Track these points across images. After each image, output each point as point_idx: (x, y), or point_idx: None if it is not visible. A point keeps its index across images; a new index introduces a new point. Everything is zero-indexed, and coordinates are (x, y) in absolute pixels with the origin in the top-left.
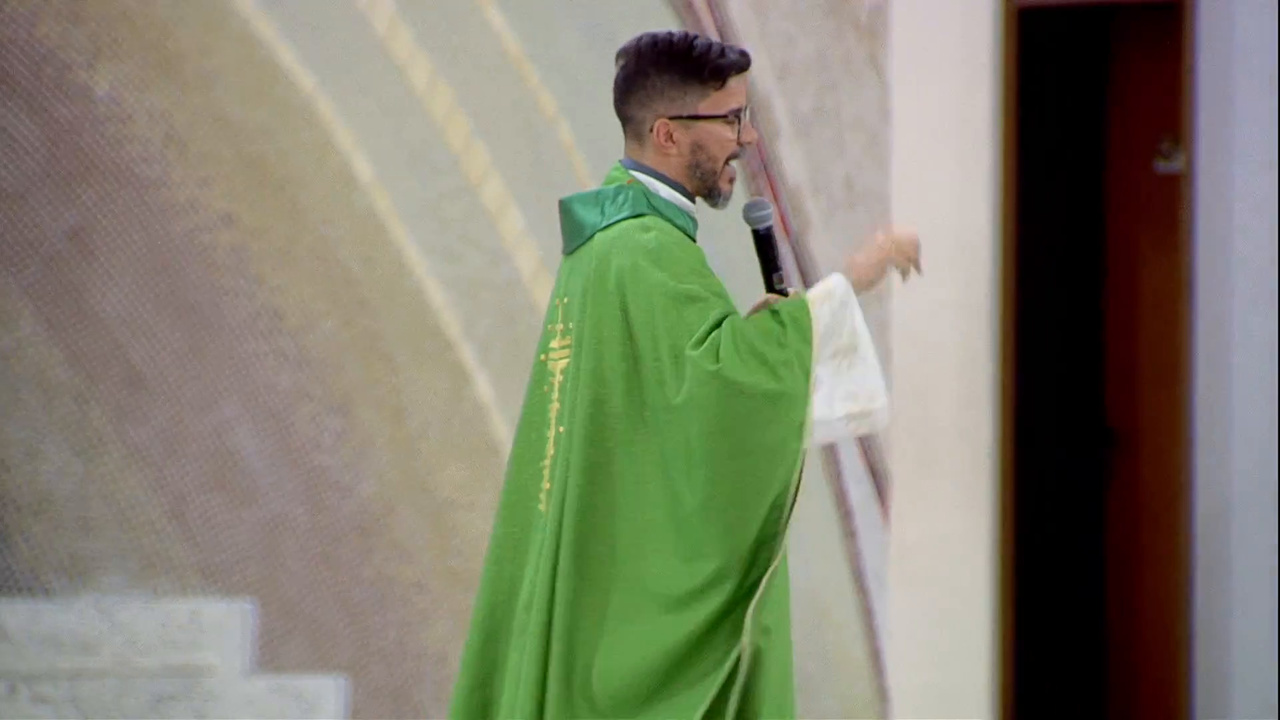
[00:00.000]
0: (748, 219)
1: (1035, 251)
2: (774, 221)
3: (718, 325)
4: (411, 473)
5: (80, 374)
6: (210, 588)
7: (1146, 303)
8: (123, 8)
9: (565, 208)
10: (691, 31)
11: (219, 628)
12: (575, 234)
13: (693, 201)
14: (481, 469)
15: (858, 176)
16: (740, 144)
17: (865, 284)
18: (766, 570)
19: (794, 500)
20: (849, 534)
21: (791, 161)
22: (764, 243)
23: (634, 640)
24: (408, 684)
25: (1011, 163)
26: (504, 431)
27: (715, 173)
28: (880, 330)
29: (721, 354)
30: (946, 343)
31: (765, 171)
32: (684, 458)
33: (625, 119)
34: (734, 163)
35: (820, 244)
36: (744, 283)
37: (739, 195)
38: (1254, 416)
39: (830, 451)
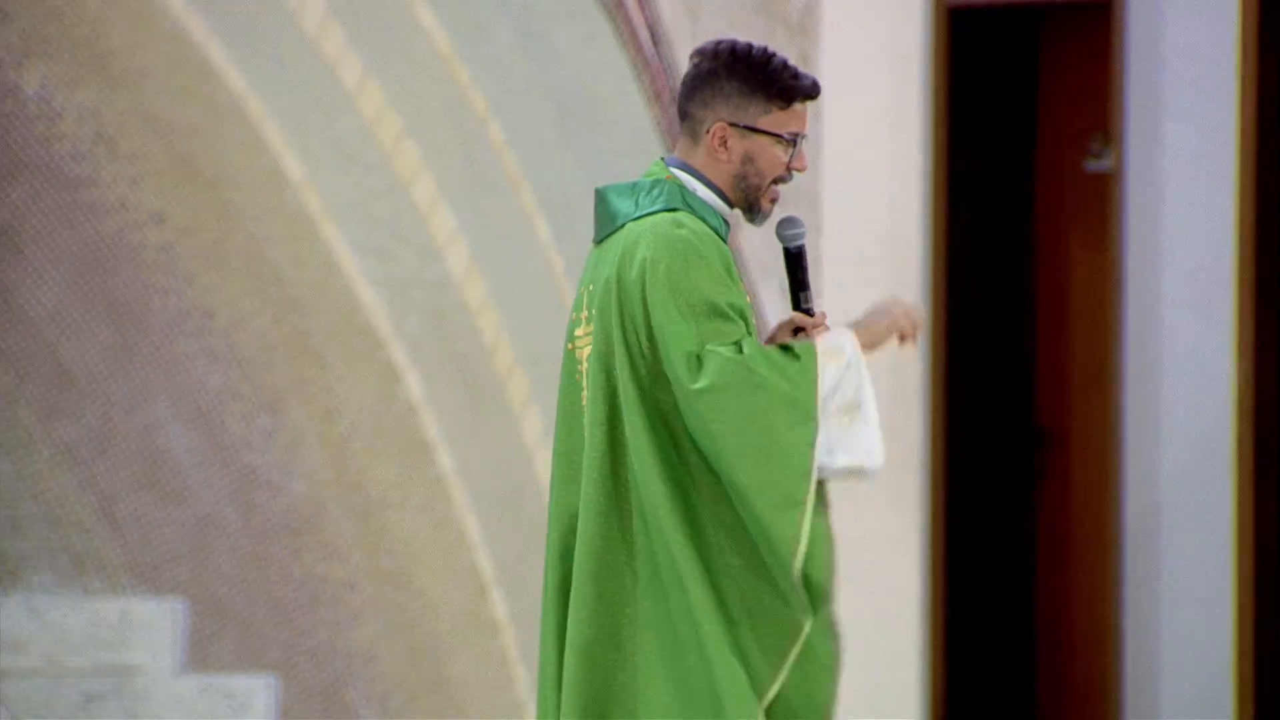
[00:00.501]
0: (780, 236)
1: (965, 250)
2: (804, 240)
3: (737, 345)
4: (342, 472)
5: (9, 372)
6: (140, 587)
7: (1076, 302)
8: (52, 6)
9: (600, 196)
10: (771, 49)
11: (149, 627)
12: (607, 223)
13: (732, 208)
14: (412, 468)
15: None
16: (790, 169)
17: (871, 346)
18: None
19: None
20: None
21: None
22: (794, 261)
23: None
24: (338, 683)
25: (942, 162)
26: (434, 430)
27: (760, 189)
28: None
29: (746, 350)
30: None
31: None
32: (705, 440)
33: (685, 115)
34: (780, 185)
35: (750, 243)
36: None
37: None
38: (1183, 415)
39: None
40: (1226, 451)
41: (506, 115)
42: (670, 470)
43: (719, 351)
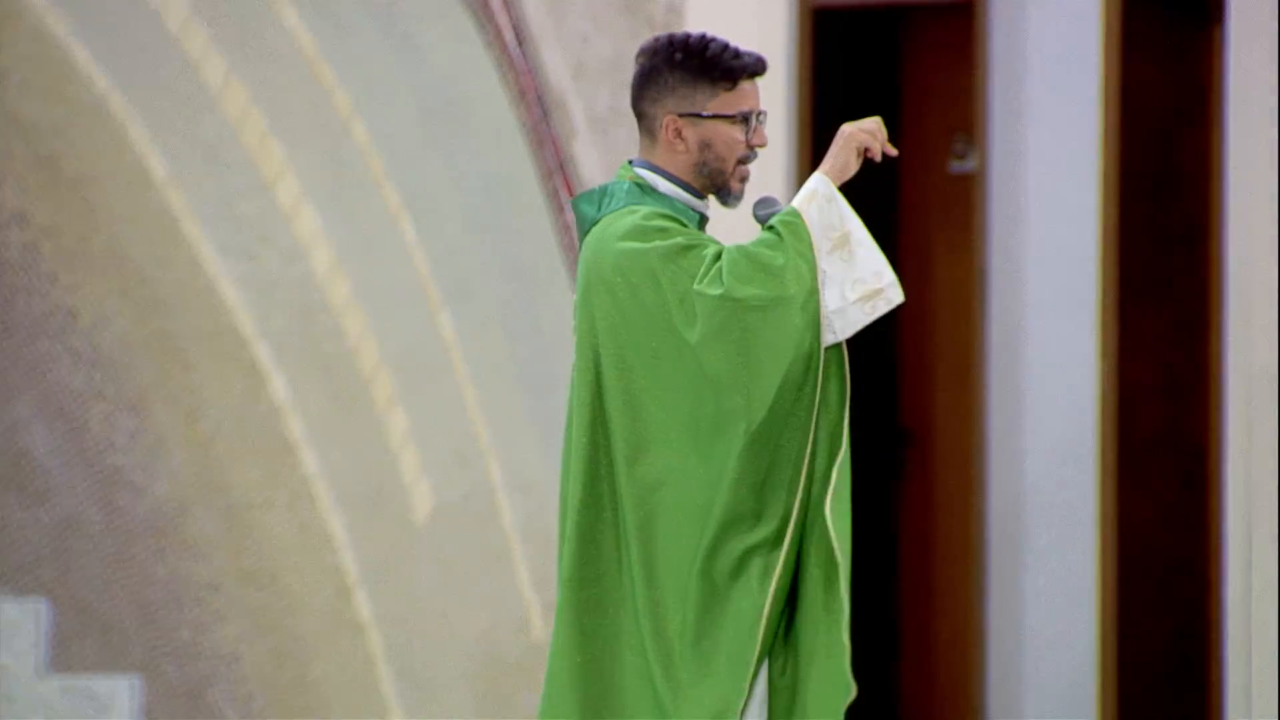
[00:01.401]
0: (756, 217)
1: None
2: None
3: (716, 259)
4: (205, 472)
5: None
6: (2, 588)
7: (940, 302)
8: None
9: (573, 205)
10: (709, 34)
11: (11, 628)
12: (579, 229)
13: (701, 198)
14: (276, 468)
15: None
16: (750, 146)
17: (841, 173)
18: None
19: (820, 396)
20: None
21: (588, 161)
22: None
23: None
24: (201, 684)
25: (806, 162)
26: (299, 431)
27: (724, 172)
28: None
29: (725, 278)
30: None
31: (561, 171)
32: (716, 390)
33: (639, 115)
34: (745, 165)
35: None
36: None
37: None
38: (1047, 416)
39: None
40: (1090, 451)
41: (371, 115)
42: (689, 450)
43: (702, 293)
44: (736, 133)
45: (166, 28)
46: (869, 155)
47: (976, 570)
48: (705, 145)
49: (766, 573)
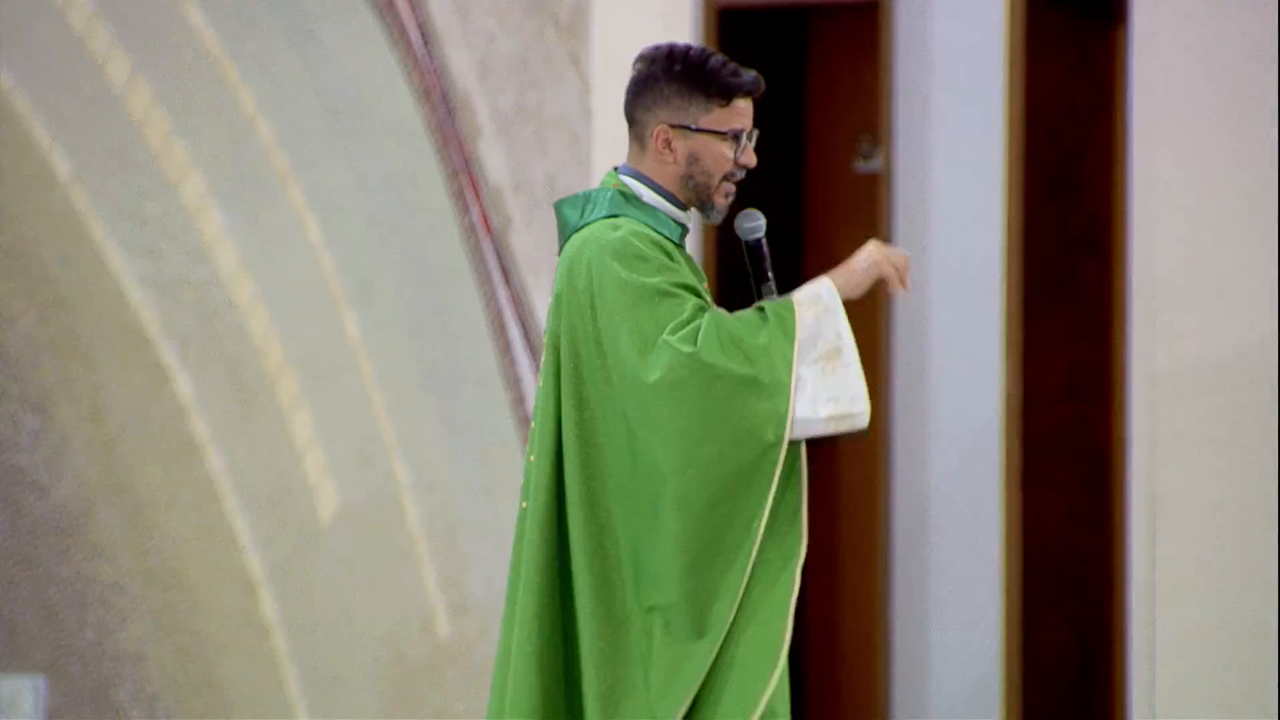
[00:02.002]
0: (739, 230)
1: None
2: (764, 233)
3: (694, 316)
4: (110, 472)
5: None
6: None
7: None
8: None
9: (556, 209)
10: (709, 49)
11: None
12: (561, 234)
13: (684, 209)
14: (181, 468)
15: (560, 175)
16: (738, 165)
17: (852, 291)
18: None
19: (776, 501)
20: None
21: (493, 160)
22: (754, 254)
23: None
24: (106, 684)
25: None
26: (204, 430)
27: (709, 187)
28: None
29: (700, 339)
30: None
31: (466, 170)
32: (659, 440)
33: (630, 122)
34: (731, 182)
35: (522, 242)
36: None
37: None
38: (952, 416)
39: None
40: (995, 451)
41: (276, 114)
42: (588, 484)
43: (671, 345)
44: (726, 150)
45: (70, 25)
46: (885, 285)
47: (882, 570)
48: (693, 159)
49: (678, 669)
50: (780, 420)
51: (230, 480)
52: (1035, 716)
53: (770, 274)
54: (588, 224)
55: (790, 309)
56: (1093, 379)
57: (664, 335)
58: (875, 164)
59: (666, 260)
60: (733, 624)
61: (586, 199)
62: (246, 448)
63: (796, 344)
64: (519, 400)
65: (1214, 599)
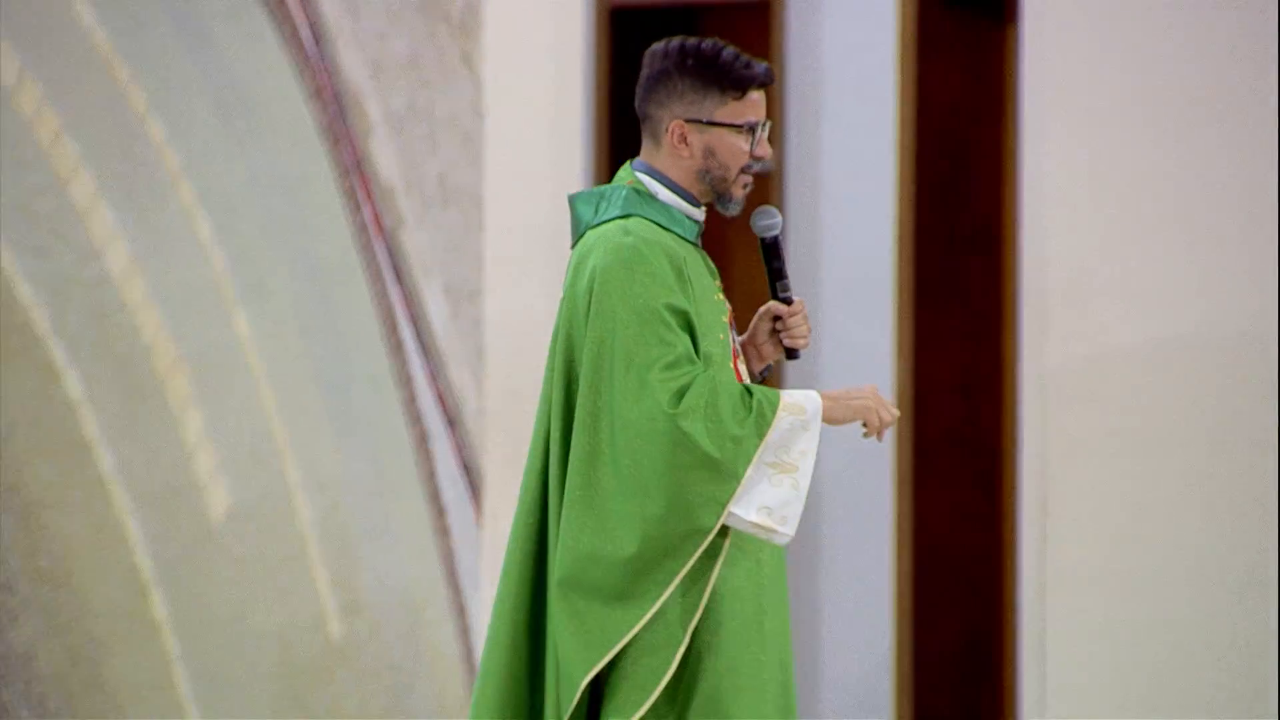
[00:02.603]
0: (755, 227)
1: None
2: (780, 230)
3: (685, 361)
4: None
5: None
6: None
7: (737, 300)
8: None
9: (570, 204)
10: (721, 42)
11: None
12: (574, 230)
13: (698, 206)
14: (71, 467)
15: (451, 174)
16: (754, 157)
17: (834, 420)
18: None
19: (692, 565)
20: (443, 532)
21: (385, 159)
22: (770, 251)
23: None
24: None
25: (605, 162)
26: (94, 429)
27: (726, 180)
28: (474, 328)
29: (684, 402)
30: (540, 339)
31: (358, 169)
32: (627, 463)
33: (644, 118)
34: (748, 174)
35: (414, 241)
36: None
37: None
38: None
39: (423, 449)
40: (886, 449)
41: (166, 113)
42: (544, 486)
43: (655, 392)
44: (741, 142)
45: None
46: (865, 427)
47: None
48: (709, 152)
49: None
50: (719, 509)
51: (121, 479)
52: (926, 715)
53: (787, 272)
54: (602, 222)
55: (774, 408)
56: (983, 378)
57: (652, 374)
58: (766, 164)
59: (672, 277)
60: (622, 658)
61: (601, 195)
62: (137, 447)
63: (763, 444)
64: (410, 399)
65: (1104, 597)
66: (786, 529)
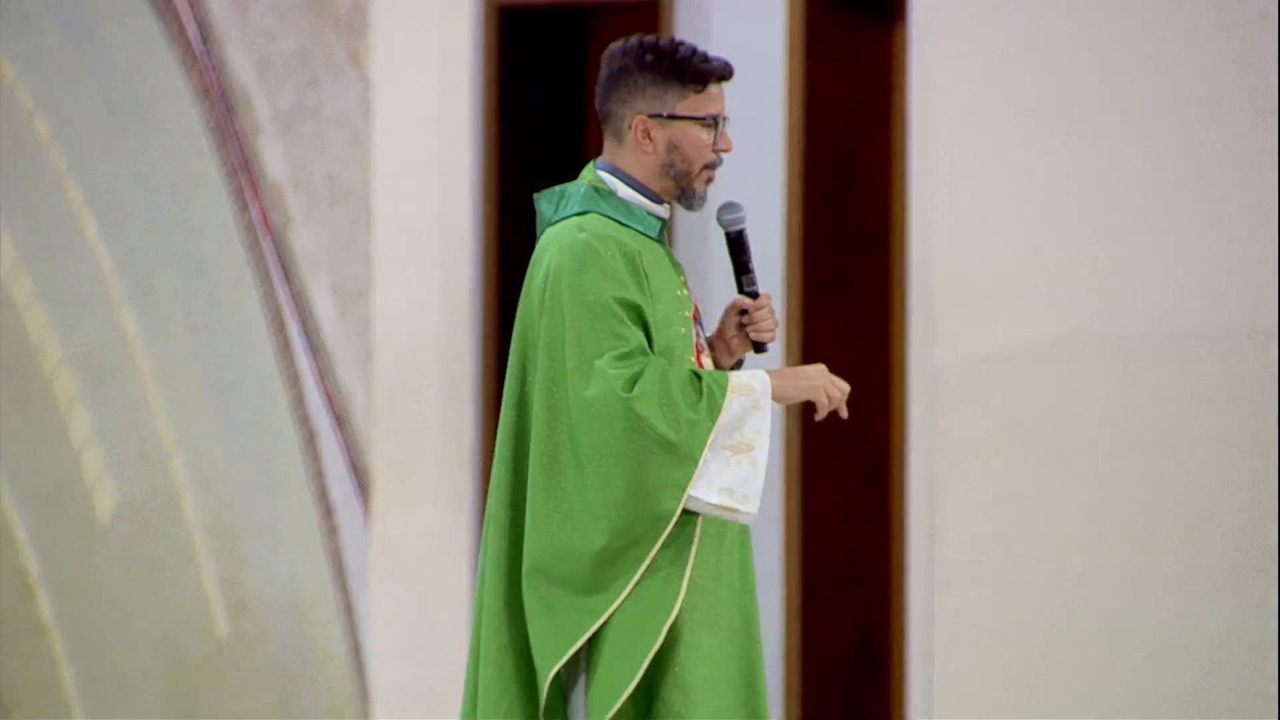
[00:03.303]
0: (720, 221)
1: (517, 248)
2: (746, 225)
3: (638, 353)
4: None
5: None
6: None
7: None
8: None
9: (535, 202)
10: (677, 38)
11: None
12: (538, 228)
13: (660, 203)
14: None
15: (339, 173)
16: (716, 150)
17: (784, 399)
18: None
19: (657, 560)
20: (330, 532)
21: (272, 158)
22: (736, 245)
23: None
24: None
25: (493, 161)
26: None
27: (689, 174)
28: (362, 327)
29: (638, 387)
30: (429, 341)
31: (246, 168)
32: (579, 449)
33: (606, 116)
34: (711, 169)
35: (302, 240)
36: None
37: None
38: None
39: (311, 448)
40: (775, 450)
41: (53, 111)
42: (518, 479)
43: (609, 379)
44: (704, 136)
45: None
46: (814, 407)
47: None
48: (673, 147)
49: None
50: (679, 492)
51: (7, 479)
52: (815, 713)
53: (752, 266)
54: (561, 219)
55: (723, 391)
56: (872, 376)
57: (603, 363)
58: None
59: (625, 272)
60: (593, 655)
61: (562, 194)
62: (24, 446)
63: (715, 428)
64: (298, 399)
65: (992, 596)
66: (749, 507)
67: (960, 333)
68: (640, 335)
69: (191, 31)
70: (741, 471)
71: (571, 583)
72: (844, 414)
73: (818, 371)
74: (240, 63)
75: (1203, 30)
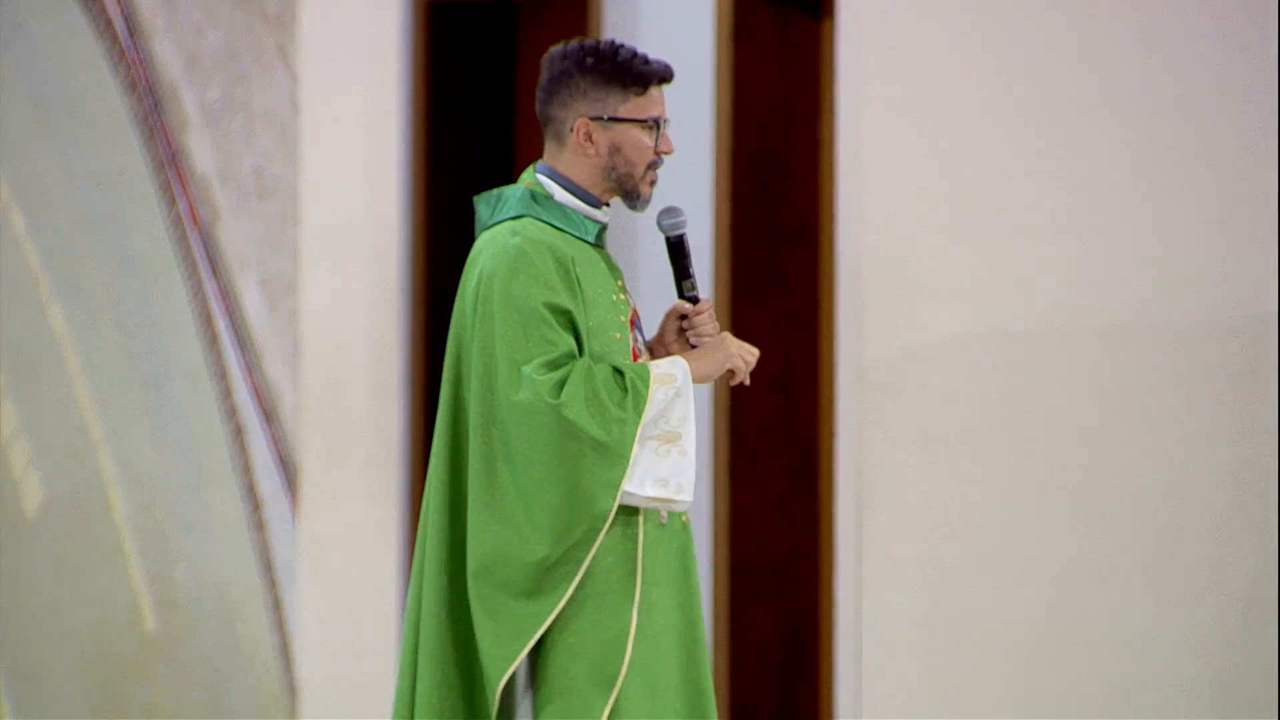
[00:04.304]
0: (661, 226)
1: (446, 244)
2: (686, 229)
3: (567, 359)
4: None
5: None
6: None
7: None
8: None
9: (474, 204)
10: (616, 40)
11: None
12: (476, 229)
13: (599, 207)
14: None
15: (268, 167)
16: (658, 152)
17: (702, 379)
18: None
19: (602, 555)
20: (259, 526)
21: (200, 152)
22: (676, 250)
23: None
24: None
25: (422, 155)
26: None
27: (633, 176)
28: (291, 322)
29: (565, 392)
30: (357, 335)
31: (174, 162)
32: (510, 459)
33: (546, 119)
34: (654, 170)
35: (229, 235)
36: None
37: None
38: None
39: (239, 443)
40: (704, 443)
41: None
42: (455, 479)
43: (537, 386)
44: (646, 138)
45: None
46: (732, 376)
47: None
48: (615, 149)
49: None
50: (613, 491)
51: None
52: (743, 711)
53: (693, 270)
54: (496, 223)
55: (647, 383)
56: (801, 372)
57: (530, 369)
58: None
59: (556, 277)
60: (574, 632)
61: (499, 197)
62: None
63: (642, 423)
64: (226, 393)
65: (921, 593)
66: (684, 495)
67: (890, 327)
68: (570, 340)
69: (119, 25)
70: (672, 461)
71: (511, 588)
72: (748, 382)
73: (724, 342)
74: (168, 57)
75: (1135, 18)
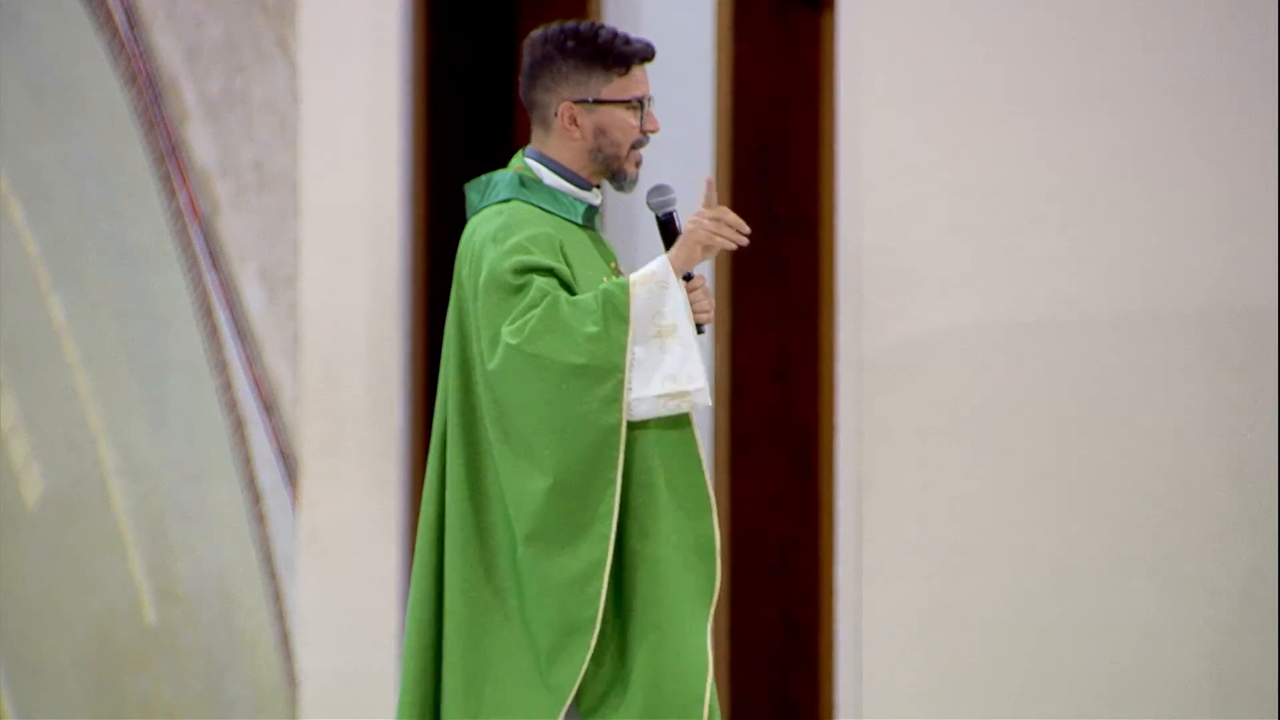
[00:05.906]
0: (650, 205)
1: (446, 234)
2: (676, 207)
3: (540, 297)
4: None
5: None
6: None
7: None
8: None
9: (465, 191)
10: (598, 23)
11: None
12: (467, 215)
13: (588, 189)
14: None
15: (268, 159)
16: (643, 132)
17: (685, 265)
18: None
19: (620, 479)
20: (259, 518)
21: (201, 144)
22: (666, 228)
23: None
24: None
25: (422, 145)
26: None
27: (619, 157)
28: (291, 313)
29: (527, 329)
30: (357, 325)
31: (174, 154)
32: (498, 426)
33: (531, 105)
34: (639, 150)
35: (230, 227)
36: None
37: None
38: None
39: (239, 435)
40: (702, 434)
41: None
42: (474, 473)
43: (503, 338)
44: (631, 118)
45: None
46: (726, 245)
47: None
48: (600, 131)
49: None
50: (613, 403)
51: None
52: (743, 703)
53: None
54: (485, 207)
55: (624, 288)
56: (800, 362)
57: (503, 324)
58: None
59: (545, 246)
60: (645, 628)
61: (489, 182)
62: None
63: (630, 325)
64: (226, 385)
65: (920, 584)
66: (696, 384)
67: (889, 317)
68: (540, 283)
69: (119, 17)
70: (674, 355)
71: (563, 532)
72: (739, 241)
73: (699, 221)
74: (168, 49)
75: (1134, 10)
